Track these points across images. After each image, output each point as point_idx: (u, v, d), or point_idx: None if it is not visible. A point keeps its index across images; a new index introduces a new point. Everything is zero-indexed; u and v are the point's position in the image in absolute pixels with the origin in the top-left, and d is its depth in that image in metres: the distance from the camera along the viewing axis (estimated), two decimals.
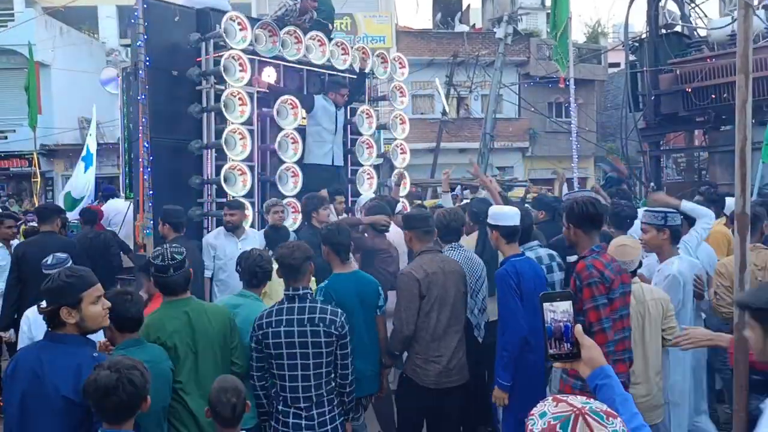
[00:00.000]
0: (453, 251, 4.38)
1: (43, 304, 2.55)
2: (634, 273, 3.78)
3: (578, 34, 29.93)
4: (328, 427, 3.25)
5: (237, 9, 6.61)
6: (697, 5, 12.67)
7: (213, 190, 6.16)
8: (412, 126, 26.11)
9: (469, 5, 28.21)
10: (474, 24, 26.40)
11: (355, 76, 7.29)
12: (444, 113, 21.59)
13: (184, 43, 6.10)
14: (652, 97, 12.24)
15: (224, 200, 5.95)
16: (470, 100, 23.97)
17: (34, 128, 12.61)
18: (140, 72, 4.39)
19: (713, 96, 10.49)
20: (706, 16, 13.21)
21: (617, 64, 25.04)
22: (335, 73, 7.10)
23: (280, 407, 3.26)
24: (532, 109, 21.80)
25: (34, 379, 2.46)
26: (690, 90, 11.12)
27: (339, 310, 3.36)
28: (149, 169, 4.36)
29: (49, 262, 3.94)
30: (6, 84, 19.84)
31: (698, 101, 11.04)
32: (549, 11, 13.27)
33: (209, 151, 6.11)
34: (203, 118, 6.11)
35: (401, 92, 7.91)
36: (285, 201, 6.19)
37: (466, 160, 20.96)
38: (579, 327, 1.78)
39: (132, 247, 6.63)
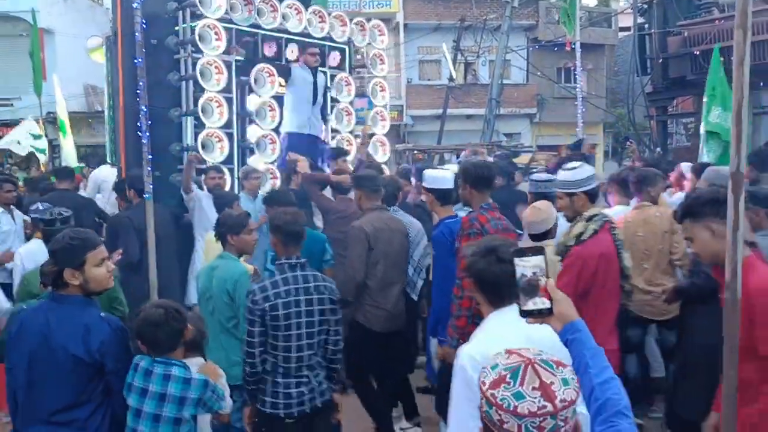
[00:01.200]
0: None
1: (48, 263, 2.59)
2: (545, 236, 3.80)
3: None
4: (326, 391, 3.28)
5: None
6: None
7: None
8: (419, 92, 26.00)
9: None
10: None
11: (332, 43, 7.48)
12: (451, 79, 21.39)
13: (162, 12, 6.16)
14: (660, 60, 12.06)
15: (204, 167, 6.10)
16: (478, 66, 23.71)
17: (39, 95, 12.62)
18: (137, 35, 4.36)
19: (722, 59, 10.32)
20: None
21: (628, 28, 24.58)
22: (313, 41, 7.19)
23: (279, 379, 3.18)
24: (540, 74, 21.54)
25: (42, 339, 2.50)
26: (698, 52, 10.94)
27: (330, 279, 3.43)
28: (147, 134, 4.36)
29: (39, 208, 4.24)
30: (11, 51, 19.75)
31: (707, 64, 10.86)
32: None
33: (188, 118, 6.24)
34: (182, 87, 6.22)
35: (381, 60, 8.08)
36: (265, 168, 6.47)
37: (474, 126, 20.91)
38: (551, 282, 1.76)
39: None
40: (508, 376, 1.41)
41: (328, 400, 3.31)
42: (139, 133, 4.46)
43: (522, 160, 12.72)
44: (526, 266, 1.75)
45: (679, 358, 4.18)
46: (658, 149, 11.78)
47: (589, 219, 3.41)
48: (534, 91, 23.82)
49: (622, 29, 25.30)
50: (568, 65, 22.64)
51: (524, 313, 1.77)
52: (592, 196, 3.47)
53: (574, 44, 9.22)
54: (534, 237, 3.87)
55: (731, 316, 3.17)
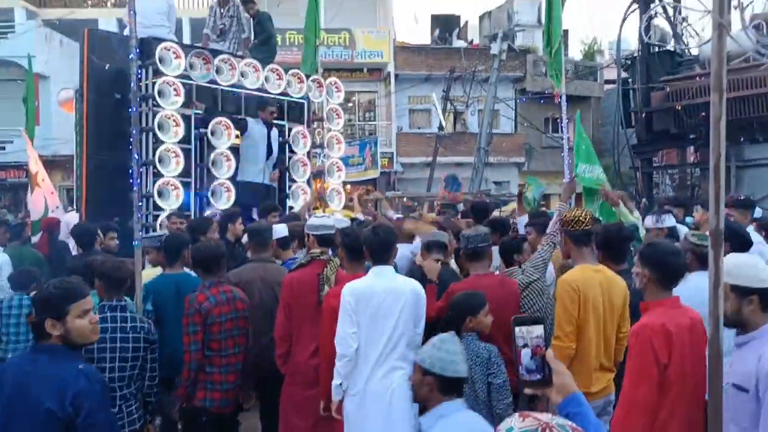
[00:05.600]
0: None
1: (32, 313, 2.55)
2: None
3: (575, 51, 30.20)
4: (135, 421, 3.48)
5: (197, 23, 7.19)
6: (688, 24, 12.83)
7: (150, 203, 6.69)
8: (409, 140, 26.35)
9: (467, 22, 28.53)
10: (472, 40, 26.65)
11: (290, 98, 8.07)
12: (441, 128, 21.74)
13: (126, 69, 6.57)
14: (643, 114, 12.36)
15: (160, 213, 6.56)
16: (467, 115, 24.13)
17: (32, 140, 12.64)
18: (132, 85, 4.48)
19: (703, 114, 10.62)
20: (698, 34, 13.37)
21: (613, 81, 25.24)
22: (271, 95, 7.73)
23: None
24: (526, 125, 21.94)
25: (19, 390, 2.45)
26: (681, 107, 11.24)
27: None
28: (139, 182, 4.53)
29: None
30: (4, 95, 19.94)
31: (688, 118, 11.17)
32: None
33: (147, 168, 6.62)
34: (141, 138, 6.57)
35: (337, 114, 8.74)
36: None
37: (463, 174, 21.18)
38: (551, 352, 1.76)
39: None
40: None
41: (136, 429, 3.46)
42: (131, 181, 4.56)
43: (511, 207, 12.86)
44: (527, 337, 1.75)
45: None
46: (644, 200, 11.95)
47: None
48: (522, 141, 24.21)
49: (607, 82, 25.98)
50: (555, 116, 23.10)
51: (524, 384, 1.76)
52: None
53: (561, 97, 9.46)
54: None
55: (714, 372, 3.21)
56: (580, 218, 3.67)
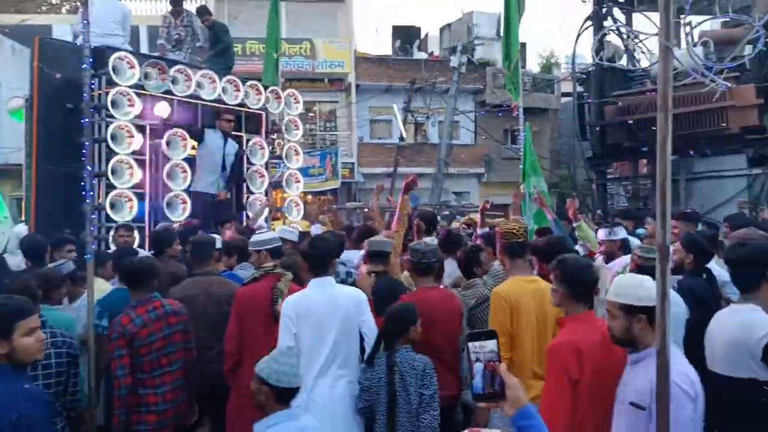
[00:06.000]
0: None
1: None
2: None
3: (533, 64, 30.76)
4: None
5: (155, 31, 7.12)
6: (640, 41, 13.25)
7: (103, 215, 6.53)
8: (370, 150, 26.34)
9: (427, 33, 28.77)
10: (432, 52, 26.90)
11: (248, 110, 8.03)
12: (401, 138, 21.86)
13: (79, 78, 6.43)
14: (597, 128, 12.67)
15: (112, 225, 6.40)
16: (427, 126, 24.32)
17: None
18: (85, 95, 4.40)
19: (653, 128, 10.93)
20: (649, 50, 13.81)
21: (569, 94, 25.84)
22: (229, 106, 7.72)
23: None
24: (485, 137, 22.25)
25: None
26: (633, 121, 11.57)
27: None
28: (91, 194, 4.40)
29: None
30: None
31: (640, 132, 11.50)
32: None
33: (100, 179, 6.50)
34: (94, 149, 6.43)
35: (295, 125, 8.78)
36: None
37: (423, 184, 21.32)
38: (504, 366, 1.77)
39: None
40: None
41: None
42: (83, 193, 4.47)
43: (473, 218, 12.98)
44: (480, 351, 1.75)
45: None
46: (599, 211, 12.24)
47: None
48: (482, 152, 24.50)
49: (564, 94, 26.57)
50: (514, 127, 23.43)
51: (478, 398, 1.76)
52: None
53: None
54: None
55: (663, 380, 3.31)
56: (514, 230, 3.76)
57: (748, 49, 7.55)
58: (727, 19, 12.89)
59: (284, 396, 2.71)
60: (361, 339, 3.60)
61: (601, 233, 5.19)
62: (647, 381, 2.43)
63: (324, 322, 3.49)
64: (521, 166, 7.63)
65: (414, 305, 3.55)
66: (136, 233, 6.46)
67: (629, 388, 2.55)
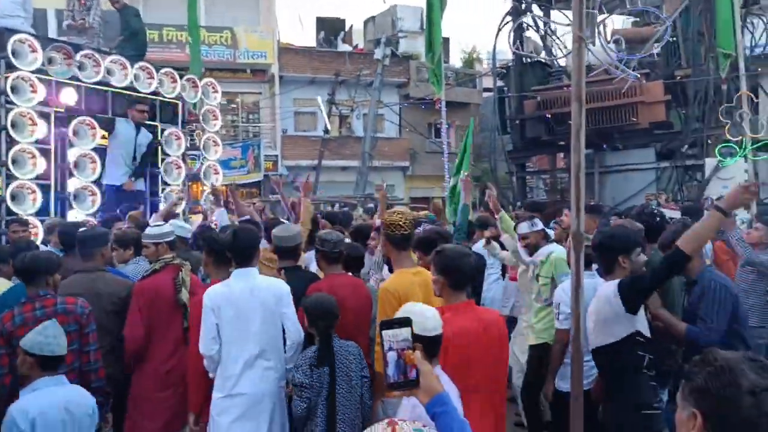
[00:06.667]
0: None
1: None
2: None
3: (455, 59, 31.23)
4: None
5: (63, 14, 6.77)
6: (557, 37, 13.67)
7: (3, 208, 6.17)
8: (294, 143, 26.03)
9: (351, 26, 28.67)
10: (357, 44, 26.84)
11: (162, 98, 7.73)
12: (326, 131, 21.70)
13: None
14: (517, 122, 12.99)
15: (11, 218, 6.04)
16: (352, 119, 24.27)
17: None
18: None
19: (570, 122, 11.29)
20: (566, 47, 14.25)
21: (490, 89, 26.42)
22: (141, 94, 7.41)
23: None
24: (408, 129, 22.42)
25: None
26: (551, 115, 11.92)
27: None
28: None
29: None
30: None
31: (558, 126, 11.87)
32: None
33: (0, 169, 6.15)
34: None
35: (214, 116, 8.53)
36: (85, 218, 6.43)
37: (348, 178, 21.28)
38: (418, 354, 1.75)
39: None
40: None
41: None
42: None
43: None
44: (394, 340, 1.73)
45: None
46: (519, 203, 12.56)
47: None
48: (407, 145, 24.69)
49: (486, 90, 27.16)
50: (438, 121, 23.73)
51: (391, 386, 1.74)
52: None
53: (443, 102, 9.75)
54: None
55: (577, 368, 3.40)
56: (400, 222, 3.74)
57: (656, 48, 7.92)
58: (637, 19, 13.51)
59: (48, 364, 2.94)
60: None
61: (524, 226, 5.27)
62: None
63: (246, 314, 3.46)
64: (459, 158, 7.69)
65: (329, 296, 3.52)
66: (39, 227, 6.06)
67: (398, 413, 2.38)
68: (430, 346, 2.34)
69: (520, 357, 5.17)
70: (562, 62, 13.71)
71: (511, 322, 5.45)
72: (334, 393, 3.37)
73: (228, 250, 3.64)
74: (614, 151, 12.50)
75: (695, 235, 3.07)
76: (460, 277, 2.98)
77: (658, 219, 4.64)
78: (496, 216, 5.73)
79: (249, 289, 3.48)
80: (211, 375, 3.51)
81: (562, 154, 14.34)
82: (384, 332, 1.74)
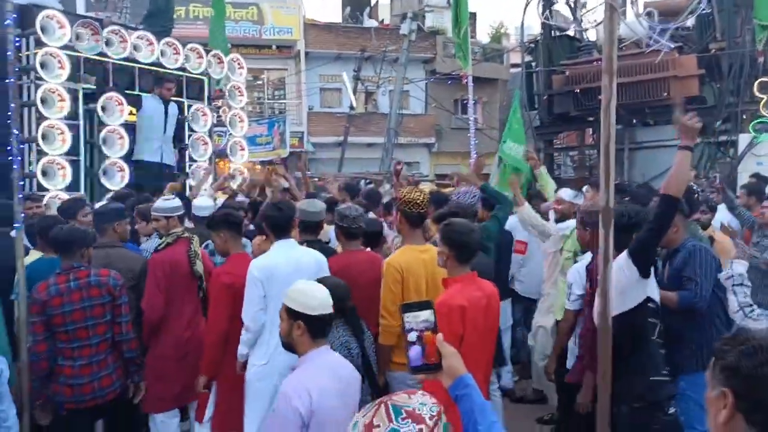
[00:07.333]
0: None
1: None
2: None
3: (483, 35, 30.80)
4: None
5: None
6: (588, 10, 13.36)
7: (35, 183, 6.25)
8: (320, 119, 26.04)
9: (377, 1, 28.36)
10: (383, 20, 26.59)
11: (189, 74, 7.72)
12: (351, 107, 21.63)
13: (4, 38, 6.07)
14: (546, 97, 12.78)
15: (45, 194, 6.08)
16: (378, 95, 24.14)
17: None
18: (9, 55, 4.12)
19: (599, 97, 11.07)
20: (595, 20, 13.94)
21: (518, 65, 25.99)
22: (168, 70, 7.41)
23: None
24: (434, 105, 22.22)
25: None
26: (579, 90, 11.70)
27: None
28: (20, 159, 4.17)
29: None
30: None
31: (587, 102, 11.65)
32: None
33: (29, 145, 6.23)
34: (24, 114, 6.18)
35: (239, 92, 8.51)
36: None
37: (373, 154, 21.22)
38: (440, 336, 1.73)
39: None
40: (374, 420, 1.43)
41: None
42: (9, 158, 4.20)
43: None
44: (414, 321, 1.71)
45: None
46: None
47: None
48: (432, 122, 24.52)
49: (514, 65, 26.72)
50: (464, 97, 23.44)
51: (414, 370, 1.72)
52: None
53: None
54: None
55: (605, 339, 3.38)
56: (418, 200, 3.74)
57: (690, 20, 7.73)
58: None
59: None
60: None
61: (569, 193, 5.25)
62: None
63: (288, 284, 3.44)
64: (509, 128, 7.59)
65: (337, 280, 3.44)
66: (51, 203, 6.05)
67: None
68: (312, 324, 2.42)
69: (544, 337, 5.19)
70: (591, 36, 13.42)
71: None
72: (367, 357, 3.38)
73: (267, 223, 3.75)
74: (645, 126, 12.25)
75: (675, 177, 3.10)
76: (465, 251, 3.08)
77: (694, 195, 4.61)
78: (535, 171, 5.95)
79: (292, 260, 3.57)
80: (245, 351, 3.53)
81: (590, 130, 14.10)
82: (405, 315, 1.72)
